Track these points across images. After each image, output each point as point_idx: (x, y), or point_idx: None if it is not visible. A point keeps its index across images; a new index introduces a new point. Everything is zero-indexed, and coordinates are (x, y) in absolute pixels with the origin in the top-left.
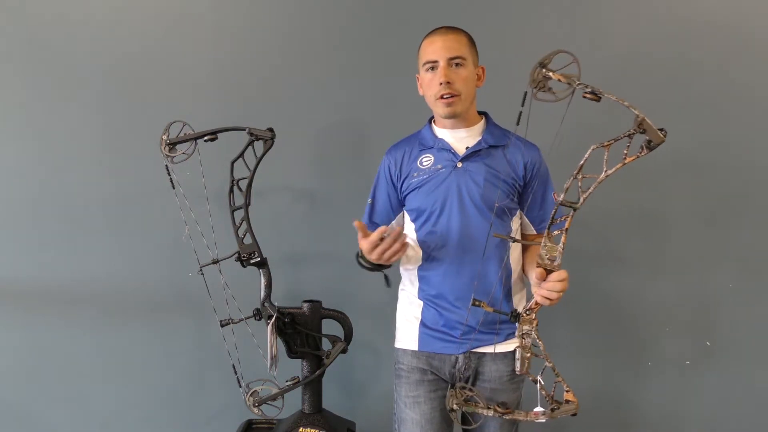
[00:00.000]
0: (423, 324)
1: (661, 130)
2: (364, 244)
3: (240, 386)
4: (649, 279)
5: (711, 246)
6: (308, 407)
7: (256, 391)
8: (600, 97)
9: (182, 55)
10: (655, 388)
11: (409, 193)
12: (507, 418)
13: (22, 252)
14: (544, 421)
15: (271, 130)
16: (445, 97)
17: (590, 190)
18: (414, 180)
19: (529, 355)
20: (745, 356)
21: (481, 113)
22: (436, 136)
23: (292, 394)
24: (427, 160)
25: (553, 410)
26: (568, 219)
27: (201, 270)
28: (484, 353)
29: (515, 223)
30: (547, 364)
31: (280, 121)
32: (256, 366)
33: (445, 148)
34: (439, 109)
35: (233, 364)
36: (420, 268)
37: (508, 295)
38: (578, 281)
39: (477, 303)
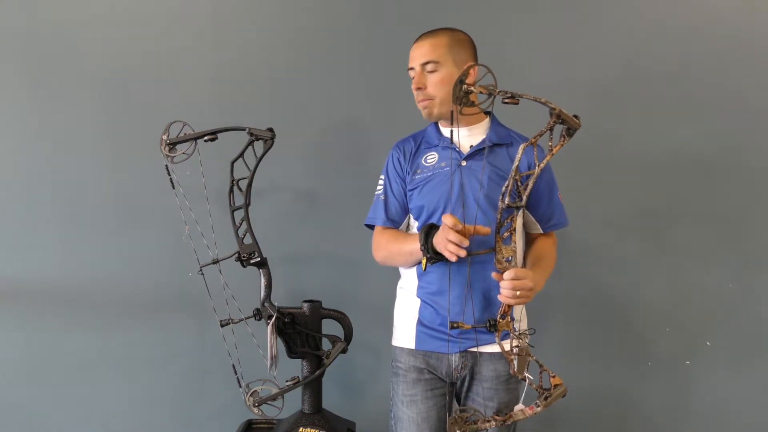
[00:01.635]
0: (420, 323)
1: (575, 116)
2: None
3: (240, 386)
4: (649, 279)
5: (711, 246)
6: (308, 407)
7: (256, 391)
8: (518, 100)
9: (182, 55)
10: (655, 388)
11: (412, 190)
12: (509, 423)
13: (22, 252)
14: (540, 410)
15: (271, 130)
16: (421, 101)
17: (529, 186)
18: (417, 177)
19: (523, 354)
20: (745, 356)
21: (487, 112)
22: (441, 134)
23: (292, 394)
24: (431, 157)
25: (546, 398)
26: (515, 219)
27: (201, 270)
28: (481, 353)
29: (517, 222)
30: (530, 358)
31: (280, 121)
32: (256, 366)
33: (450, 147)
34: (421, 112)
35: (233, 364)
36: (420, 266)
37: None
38: (578, 281)
39: (455, 325)
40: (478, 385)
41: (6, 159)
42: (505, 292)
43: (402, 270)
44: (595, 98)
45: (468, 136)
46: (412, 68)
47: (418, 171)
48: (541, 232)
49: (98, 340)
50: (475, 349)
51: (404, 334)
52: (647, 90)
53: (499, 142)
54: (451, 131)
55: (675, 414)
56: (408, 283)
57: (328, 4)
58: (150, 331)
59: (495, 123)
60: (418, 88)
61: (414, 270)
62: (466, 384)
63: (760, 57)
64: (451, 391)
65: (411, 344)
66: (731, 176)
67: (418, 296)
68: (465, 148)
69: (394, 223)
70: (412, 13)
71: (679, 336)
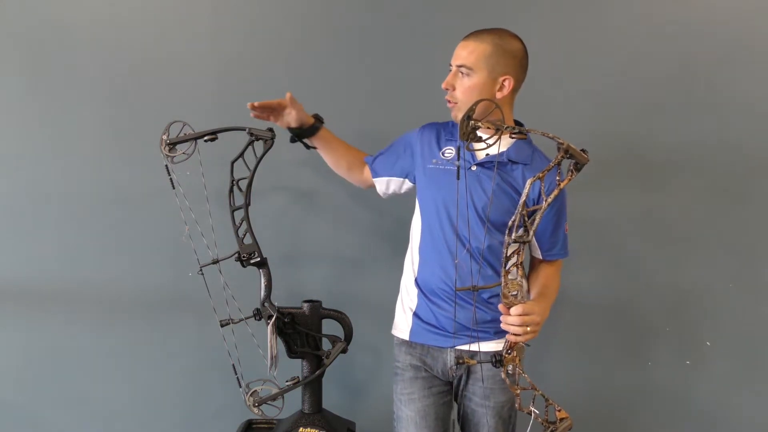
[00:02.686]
0: (416, 315)
1: (583, 151)
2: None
3: (240, 386)
4: (650, 279)
5: (711, 246)
6: (308, 407)
7: (256, 391)
8: (526, 135)
9: (182, 55)
10: (655, 388)
11: (424, 178)
12: None
13: (22, 252)
14: None
15: (271, 130)
16: (448, 101)
17: (536, 221)
18: (431, 167)
19: (514, 364)
20: (745, 356)
21: (519, 124)
22: None
23: (292, 394)
24: (449, 152)
25: None
26: (521, 254)
27: (201, 270)
28: (476, 352)
29: (523, 257)
30: (536, 393)
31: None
32: (256, 366)
33: (465, 149)
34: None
35: (233, 364)
36: (421, 259)
37: (496, 297)
38: (578, 281)
39: (462, 361)
40: (475, 384)
41: (5, 159)
42: (513, 329)
43: (406, 262)
44: (595, 98)
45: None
46: (450, 64)
47: (434, 161)
48: (540, 256)
49: (98, 340)
50: (467, 347)
51: (400, 324)
52: (648, 90)
53: (516, 160)
54: (459, 148)
55: (675, 414)
56: (410, 272)
57: (329, 4)
58: (150, 331)
59: (524, 140)
60: (446, 88)
61: (413, 259)
62: (462, 383)
63: (761, 57)
64: (449, 390)
65: (405, 335)
66: (731, 176)
67: (416, 285)
68: (480, 154)
69: (374, 170)
70: (412, 13)
71: (679, 336)
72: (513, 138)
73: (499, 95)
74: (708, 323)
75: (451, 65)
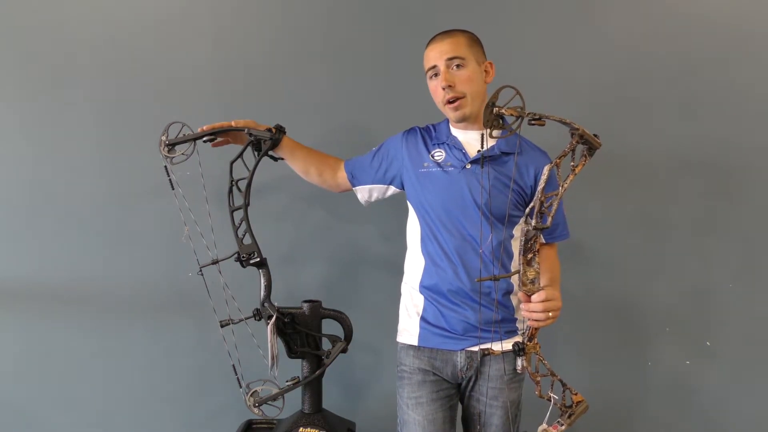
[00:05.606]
0: (423, 319)
1: (595, 135)
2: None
3: (240, 386)
4: (649, 279)
5: (711, 246)
6: (308, 407)
7: (256, 391)
8: (545, 122)
9: (182, 56)
10: (655, 388)
11: (416, 181)
12: None
13: (21, 252)
14: (564, 429)
15: (270, 130)
16: (451, 101)
17: (554, 207)
18: (422, 170)
19: (535, 352)
20: (745, 356)
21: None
22: (450, 133)
23: (292, 394)
24: (438, 154)
25: (570, 416)
26: (538, 240)
27: (201, 270)
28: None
29: (517, 231)
30: (554, 379)
31: (280, 122)
32: (256, 366)
33: (457, 147)
34: (449, 114)
35: (233, 364)
36: (426, 262)
37: (506, 295)
38: (578, 281)
39: (486, 352)
40: (484, 384)
41: (5, 159)
42: (536, 315)
43: (406, 266)
44: (595, 98)
45: (476, 140)
46: (432, 68)
47: (425, 164)
48: (543, 241)
49: (98, 341)
50: (476, 349)
51: (407, 330)
52: (647, 90)
53: (509, 150)
54: (482, 137)
55: (675, 414)
56: (412, 277)
57: (329, 5)
58: (150, 331)
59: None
60: (449, 86)
61: (415, 264)
62: (471, 383)
63: (761, 57)
64: (456, 393)
65: (414, 341)
66: (731, 176)
67: (420, 292)
68: (471, 152)
69: (354, 179)
70: (412, 14)
71: (679, 336)
72: (532, 124)
73: (488, 80)
74: (708, 323)
75: (431, 68)
